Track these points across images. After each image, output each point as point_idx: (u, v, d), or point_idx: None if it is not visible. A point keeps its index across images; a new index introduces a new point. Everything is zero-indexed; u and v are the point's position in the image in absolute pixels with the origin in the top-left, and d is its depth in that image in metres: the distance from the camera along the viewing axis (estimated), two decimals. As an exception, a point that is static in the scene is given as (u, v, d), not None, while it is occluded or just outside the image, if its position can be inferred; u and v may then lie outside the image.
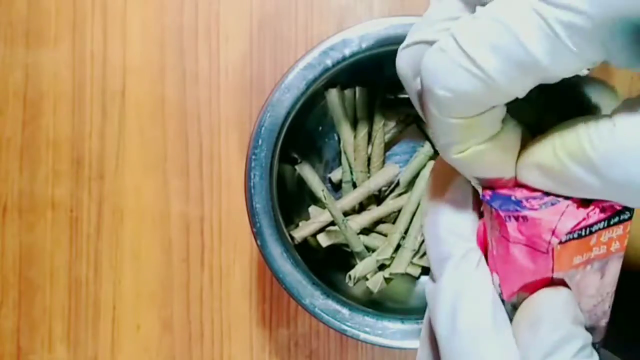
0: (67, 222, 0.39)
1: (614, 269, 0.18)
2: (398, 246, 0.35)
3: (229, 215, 0.39)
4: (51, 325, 0.40)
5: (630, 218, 0.17)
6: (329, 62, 0.31)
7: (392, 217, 0.36)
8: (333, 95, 0.34)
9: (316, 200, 0.37)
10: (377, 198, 0.37)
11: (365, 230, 0.36)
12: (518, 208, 0.17)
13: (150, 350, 0.39)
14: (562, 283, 0.17)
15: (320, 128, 0.37)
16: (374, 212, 0.36)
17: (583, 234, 0.16)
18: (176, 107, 0.39)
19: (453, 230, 0.18)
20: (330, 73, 0.31)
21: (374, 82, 0.35)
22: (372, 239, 0.36)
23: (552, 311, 0.17)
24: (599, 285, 0.18)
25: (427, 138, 0.37)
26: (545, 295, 0.17)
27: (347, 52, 0.30)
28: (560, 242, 0.16)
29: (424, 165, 0.36)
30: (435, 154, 0.36)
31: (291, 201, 0.35)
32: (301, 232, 0.34)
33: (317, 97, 0.34)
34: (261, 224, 0.31)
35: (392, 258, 0.35)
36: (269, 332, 0.39)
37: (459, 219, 0.18)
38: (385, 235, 0.36)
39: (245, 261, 0.39)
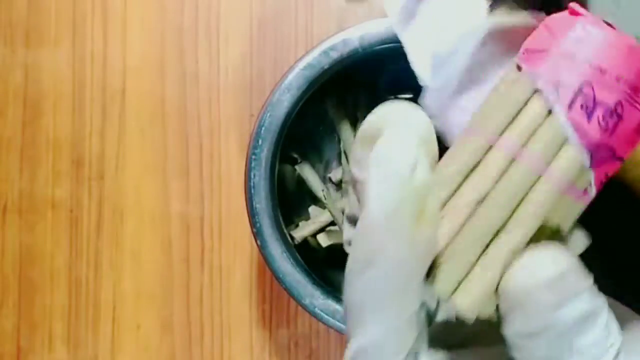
0: (67, 222, 0.39)
1: None
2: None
3: (229, 215, 0.39)
4: (51, 325, 0.40)
5: None
6: (328, 62, 0.31)
7: (392, 217, 0.36)
8: (333, 96, 0.35)
9: (316, 200, 0.37)
10: (377, 198, 0.37)
11: (365, 230, 0.36)
12: None
13: (150, 350, 0.39)
14: None
15: (321, 128, 0.37)
16: (374, 212, 0.36)
17: None
18: (176, 107, 0.39)
19: None
20: (330, 73, 0.31)
21: (374, 82, 0.35)
22: (372, 239, 0.36)
23: None
24: None
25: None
26: None
27: (347, 52, 0.30)
28: None
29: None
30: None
31: (291, 201, 0.35)
32: (301, 232, 0.34)
33: (317, 97, 0.34)
34: (261, 224, 0.31)
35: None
36: (269, 332, 0.39)
37: None
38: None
39: (245, 261, 0.39)
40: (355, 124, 0.36)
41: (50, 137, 0.40)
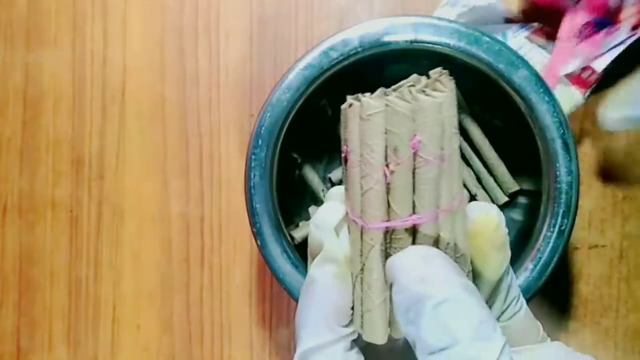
0: (67, 222, 0.40)
1: None
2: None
3: (229, 215, 0.39)
4: (51, 325, 0.40)
5: None
6: (328, 62, 0.31)
7: (392, 217, 0.36)
8: (333, 96, 0.34)
9: (316, 200, 0.37)
10: (377, 198, 0.37)
11: (365, 230, 0.36)
12: None
13: (150, 350, 0.39)
14: None
15: (320, 128, 0.37)
16: (374, 212, 0.36)
17: None
18: (176, 107, 0.39)
19: None
20: (330, 73, 0.31)
21: (374, 82, 0.35)
22: (372, 239, 0.36)
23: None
24: None
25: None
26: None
27: (347, 52, 0.30)
28: None
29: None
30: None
31: (291, 201, 0.35)
32: (301, 232, 0.34)
33: (317, 97, 0.34)
34: (261, 224, 0.31)
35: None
36: (269, 332, 0.39)
37: None
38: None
39: (245, 261, 0.39)
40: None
41: (50, 137, 0.40)
